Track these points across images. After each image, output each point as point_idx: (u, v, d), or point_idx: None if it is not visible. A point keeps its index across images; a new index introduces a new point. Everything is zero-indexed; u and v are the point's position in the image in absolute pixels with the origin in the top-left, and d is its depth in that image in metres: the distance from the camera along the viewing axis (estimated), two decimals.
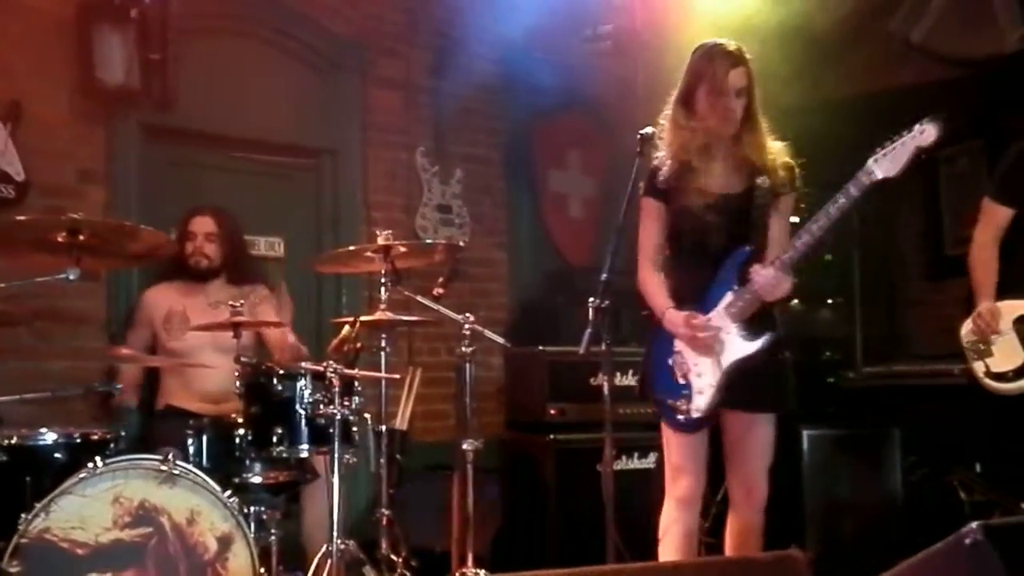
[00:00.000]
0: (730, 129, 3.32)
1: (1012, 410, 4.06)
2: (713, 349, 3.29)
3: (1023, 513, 4.16)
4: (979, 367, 4.06)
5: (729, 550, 3.47)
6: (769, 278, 3.19)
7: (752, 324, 3.27)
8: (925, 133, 3.03)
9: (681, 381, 3.35)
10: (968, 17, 4.91)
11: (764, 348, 3.24)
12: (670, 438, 3.43)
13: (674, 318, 3.34)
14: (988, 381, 4.04)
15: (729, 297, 3.29)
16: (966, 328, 4.14)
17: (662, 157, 3.40)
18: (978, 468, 4.66)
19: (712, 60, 3.29)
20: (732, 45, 3.31)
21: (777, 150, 3.38)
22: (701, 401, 3.31)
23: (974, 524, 2.33)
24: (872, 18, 5.30)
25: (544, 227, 6.37)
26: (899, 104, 5.40)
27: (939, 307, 5.08)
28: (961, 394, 4.31)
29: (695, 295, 3.36)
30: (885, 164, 3.06)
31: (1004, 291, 4.04)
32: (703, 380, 3.31)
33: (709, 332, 3.28)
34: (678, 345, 3.37)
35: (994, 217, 4.04)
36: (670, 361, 3.38)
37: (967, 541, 2.34)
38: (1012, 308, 4.02)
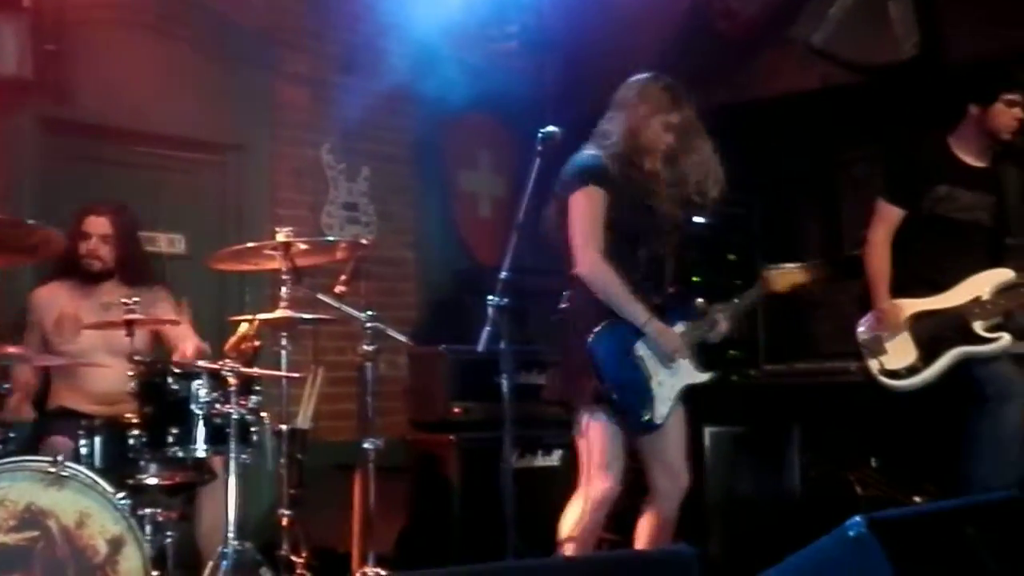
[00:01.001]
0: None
1: (905, 406, 4.19)
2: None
3: (915, 506, 4.28)
4: (874, 365, 4.17)
5: (646, 544, 3.52)
6: (728, 324, 3.62)
7: (698, 356, 3.60)
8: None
9: (649, 385, 3.50)
10: (866, 23, 5.03)
11: (710, 382, 3.62)
12: (600, 435, 3.49)
13: (665, 331, 3.51)
14: (882, 378, 4.16)
15: (682, 327, 3.56)
16: (862, 326, 4.24)
17: (635, 152, 3.57)
18: (873, 463, 4.77)
19: (669, 97, 3.60)
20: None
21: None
22: (664, 409, 3.49)
23: (858, 517, 2.38)
24: (776, 22, 5.39)
25: (455, 226, 6.34)
26: (803, 107, 5.51)
27: (839, 307, 5.18)
28: (858, 391, 4.43)
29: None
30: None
31: (897, 291, 4.15)
32: (665, 391, 3.51)
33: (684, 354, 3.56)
34: (640, 350, 3.48)
35: (887, 217, 4.16)
36: (636, 361, 3.49)
37: (851, 534, 2.38)
38: (906, 307, 4.13)
